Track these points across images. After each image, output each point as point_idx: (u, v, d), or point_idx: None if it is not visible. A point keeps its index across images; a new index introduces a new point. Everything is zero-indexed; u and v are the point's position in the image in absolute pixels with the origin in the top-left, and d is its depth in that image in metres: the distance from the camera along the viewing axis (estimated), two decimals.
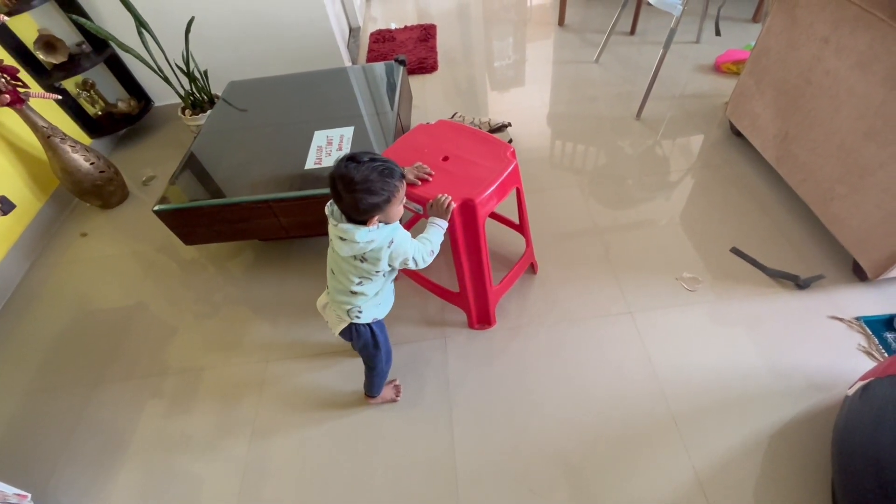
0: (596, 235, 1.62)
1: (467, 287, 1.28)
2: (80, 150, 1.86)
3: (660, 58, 1.92)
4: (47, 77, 2.01)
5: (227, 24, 2.24)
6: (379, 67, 1.89)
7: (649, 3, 1.96)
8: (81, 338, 1.56)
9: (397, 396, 1.28)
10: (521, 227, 1.42)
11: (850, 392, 1.01)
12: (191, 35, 1.96)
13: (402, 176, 0.90)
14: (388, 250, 0.91)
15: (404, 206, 0.95)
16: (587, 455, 1.13)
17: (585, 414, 1.20)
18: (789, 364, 1.23)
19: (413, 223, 1.57)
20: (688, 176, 1.79)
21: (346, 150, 1.48)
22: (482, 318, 1.40)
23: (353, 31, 3.02)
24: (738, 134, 1.85)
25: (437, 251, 1.02)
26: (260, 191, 1.41)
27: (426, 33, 2.84)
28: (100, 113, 2.33)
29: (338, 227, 0.89)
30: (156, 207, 1.41)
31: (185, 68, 1.97)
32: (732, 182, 1.73)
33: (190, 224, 1.46)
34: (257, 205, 1.39)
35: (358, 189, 0.82)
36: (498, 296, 1.38)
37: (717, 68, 2.25)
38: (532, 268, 1.54)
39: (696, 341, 1.30)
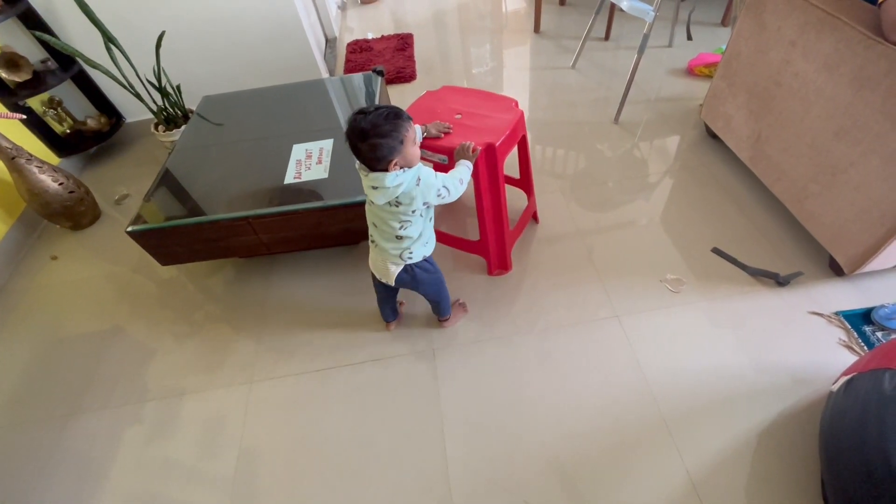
0: (579, 239, 1.63)
1: (488, 230, 1.39)
2: (48, 170, 1.79)
3: (635, 62, 1.95)
4: (11, 96, 1.94)
5: (200, 38, 2.20)
6: (357, 78, 1.87)
7: (622, 10, 1.99)
8: (54, 367, 1.49)
9: (467, 310, 1.42)
10: (525, 176, 1.49)
11: (835, 388, 1.02)
12: (162, 50, 1.91)
13: (409, 118, 0.95)
14: (418, 188, 0.98)
15: (431, 161, 1.03)
16: (581, 463, 1.12)
17: (577, 421, 1.19)
18: (773, 361, 1.25)
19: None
20: (666, 177, 1.82)
21: (326, 163, 1.46)
22: (501, 263, 1.51)
23: (330, 42, 3.00)
24: (713, 135, 1.89)
25: (466, 182, 1.09)
26: (238, 207, 1.37)
27: (403, 43, 2.84)
28: (68, 131, 2.26)
29: (368, 176, 0.96)
30: (129, 228, 1.36)
31: (156, 83, 1.93)
32: (710, 182, 1.76)
33: (166, 244, 1.42)
34: (236, 222, 1.35)
35: (371, 136, 0.89)
36: (513, 239, 1.51)
37: (690, 71, 2.30)
38: (534, 218, 1.69)
39: (682, 343, 1.31)
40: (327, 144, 1.53)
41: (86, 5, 1.72)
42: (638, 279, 1.48)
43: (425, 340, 1.40)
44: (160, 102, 2.03)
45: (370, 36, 3.02)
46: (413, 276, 1.15)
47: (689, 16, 2.41)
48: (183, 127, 2.00)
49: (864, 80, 1.16)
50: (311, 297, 1.58)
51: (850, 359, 1.23)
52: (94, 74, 2.23)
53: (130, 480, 1.21)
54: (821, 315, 1.33)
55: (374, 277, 1.24)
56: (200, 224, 1.36)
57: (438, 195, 1.02)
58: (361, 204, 1.33)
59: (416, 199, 0.99)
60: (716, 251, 1.52)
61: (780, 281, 1.40)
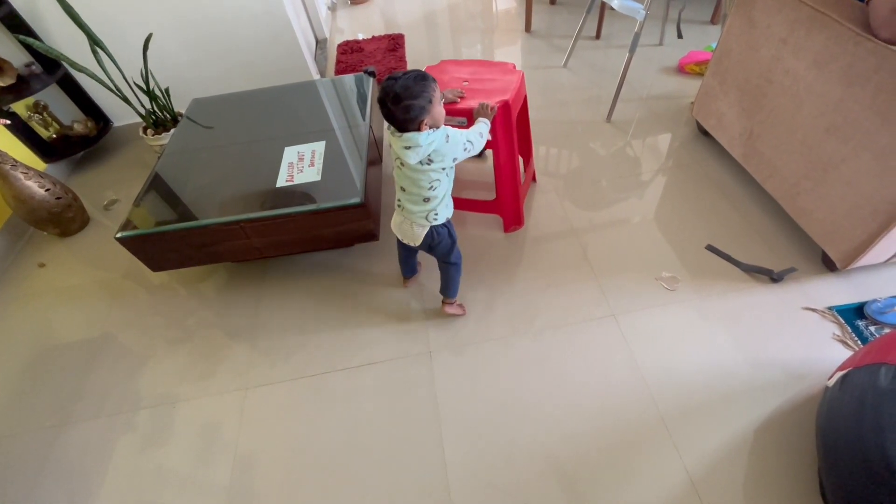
0: (574, 238, 1.63)
1: (505, 186, 1.52)
2: (34, 176, 1.76)
3: (626, 61, 1.96)
4: None
5: (188, 41, 2.17)
6: (348, 80, 1.86)
7: (613, 9, 2.00)
8: (43, 376, 1.47)
9: (465, 311, 1.45)
10: (525, 137, 1.56)
11: (830, 383, 1.03)
12: (150, 52, 1.89)
13: (434, 80, 1.03)
14: (447, 144, 1.07)
15: (450, 125, 1.12)
16: (581, 463, 1.12)
17: (576, 421, 1.19)
18: (768, 357, 1.26)
19: None
20: (659, 175, 1.82)
21: (319, 165, 1.45)
22: (515, 220, 1.64)
23: (320, 43, 2.98)
24: (705, 133, 1.90)
25: (485, 136, 1.18)
26: (230, 211, 1.35)
27: (394, 43, 2.82)
28: (54, 136, 2.22)
29: (402, 137, 1.03)
30: (118, 235, 1.34)
31: (144, 86, 1.90)
32: (702, 180, 1.76)
33: (156, 250, 1.40)
34: (228, 226, 1.33)
35: (403, 98, 0.97)
36: (523, 195, 1.64)
37: (681, 69, 2.31)
38: (534, 178, 1.81)
39: (679, 340, 1.32)
40: (319, 146, 1.51)
41: (70, 8, 1.69)
42: (633, 277, 1.48)
43: (422, 343, 1.39)
44: (148, 106, 2.00)
45: (361, 37, 3.01)
46: (436, 238, 1.23)
47: (679, 14, 2.42)
48: (172, 130, 1.97)
49: (853, 76, 1.17)
50: (306, 300, 1.56)
51: (844, 353, 1.24)
52: (81, 78, 2.20)
53: (124, 490, 1.19)
54: (814, 310, 1.34)
55: (397, 240, 1.31)
56: (192, 229, 1.34)
57: (465, 149, 1.11)
58: (355, 206, 1.32)
59: (446, 155, 1.08)
60: (710, 248, 1.53)
61: (774, 277, 1.40)
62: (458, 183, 1.30)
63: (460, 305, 1.45)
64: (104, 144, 2.35)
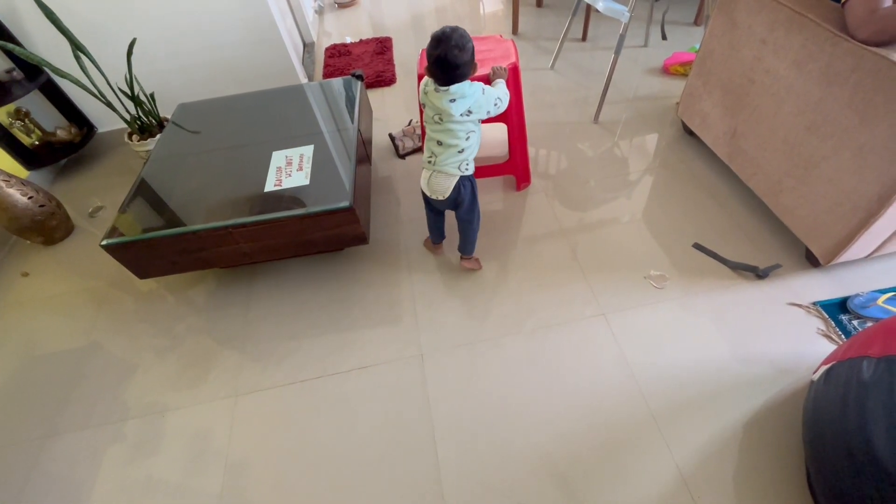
0: (563, 238, 1.64)
1: (517, 145, 1.69)
2: (16, 184, 1.73)
3: (612, 63, 1.98)
4: None
5: (174, 46, 2.15)
6: (336, 83, 1.85)
7: (598, 11, 2.02)
8: (29, 387, 1.44)
9: (481, 266, 1.57)
10: (518, 103, 1.59)
11: (815, 377, 1.05)
12: (134, 58, 1.87)
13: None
14: (483, 97, 1.21)
15: None
16: (574, 462, 1.12)
17: (569, 420, 1.19)
18: (756, 352, 1.28)
19: None
20: (646, 175, 1.84)
21: (307, 169, 1.44)
22: (525, 177, 1.82)
23: (308, 47, 2.97)
24: (690, 133, 1.92)
25: (507, 94, 1.31)
26: (218, 217, 1.34)
27: (382, 46, 2.83)
28: (37, 143, 2.19)
29: (448, 90, 1.16)
30: (103, 242, 1.32)
31: (129, 92, 1.88)
32: (688, 179, 1.79)
33: (143, 256, 1.38)
34: (216, 231, 1.32)
35: (455, 48, 1.11)
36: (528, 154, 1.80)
37: (666, 70, 2.34)
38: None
39: (667, 338, 1.33)
40: (308, 150, 1.51)
41: (52, 13, 1.67)
42: (622, 276, 1.50)
43: (413, 346, 1.39)
44: (133, 111, 1.98)
45: (348, 40, 3.00)
46: (462, 192, 1.32)
47: (662, 16, 2.45)
48: (158, 136, 1.95)
49: (832, 76, 1.20)
50: (296, 305, 1.55)
51: (828, 348, 1.26)
52: (64, 84, 2.17)
53: (113, 501, 1.17)
54: (799, 306, 1.36)
55: (426, 205, 1.45)
56: (179, 235, 1.32)
57: (495, 104, 1.25)
58: (345, 210, 1.32)
59: (482, 107, 1.21)
60: (697, 246, 1.55)
61: (760, 274, 1.43)
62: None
63: (476, 260, 1.56)
64: (89, 151, 2.31)
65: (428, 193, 1.35)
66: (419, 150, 2.10)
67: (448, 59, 1.10)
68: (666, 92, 2.23)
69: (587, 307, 1.43)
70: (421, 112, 1.62)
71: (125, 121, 1.98)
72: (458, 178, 1.29)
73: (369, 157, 1.73)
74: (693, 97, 1.78)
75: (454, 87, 1.15)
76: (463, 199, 1.34)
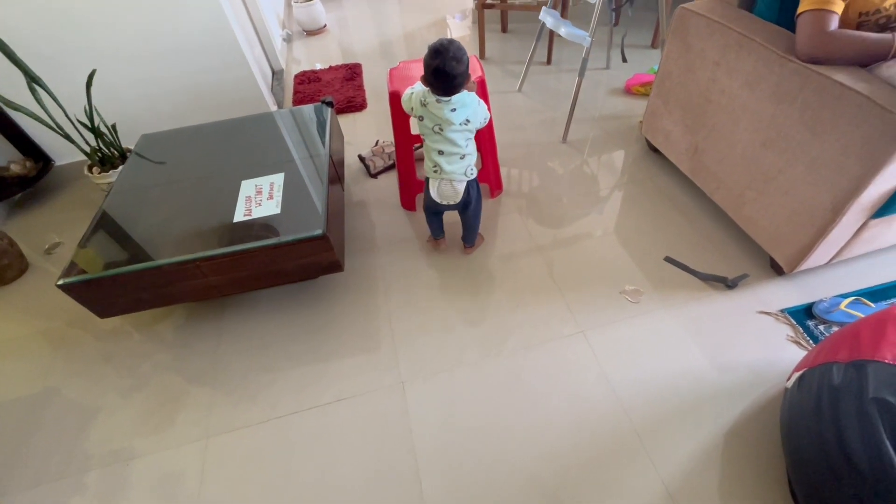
0: (539, 256, 1.65)
1: (488, 154, 1.78)
2: None
3: (576, 85, 2.05)
4: None
5: (137, 76, 2.10)
6: (306, 110, 1.84)
7: (561, 36, 2.09)
8: None
9: (483, 238, 1.71)
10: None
11: (789, 384, 1.07)
12: (95, 88, 1.81)
13: None
14: (479, 107, 1.32)
15: None
16: (561, 482, 1.10)
17: (553, 440, 1.18)
18: (731, 361, 1.30)
19: None
20: (616, 191, 1.89)
21: (278, 197, 1.41)
22: (498, 185, 1.91)
23: (277, 74, 2.97)
24: (654, 150, 1.99)
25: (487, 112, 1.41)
26: (185, 250, 1.29)
27: (352, 72, 2.84)
28: None
29: (450, 100, 1.25)
30: (59, 282, 1.24)
31: (89, 123, 1.81)
32: (656, 194, 1.84)
33: (104, 295, 1.31)
34: (183, 265, 1.27)
35: (453, 60, 1.17)
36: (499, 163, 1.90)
37: (628, 91, 2.43)
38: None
39: (645, 352, 1.34)
40: (278, 179, 1.48)
41: (4, 44, 1.61)
42: (598, 293, 1.51)
43: (393, 374, 1.36)
44: (94, 143, 1.92)
45: (318, 66, 3.01)
46: (471, 193, 1.44)
47: (622, 40, 2.57)
48: (120, 167, 1.89)
49: (782, 94, 1.27)
50: (270, 336, 1.50)
51: (799, 353, 1.30)
52: (18, 116, 2.08)
53: None
54: (768, 314, 1.40)
55: (429, 209, 1.54)
56: (143, 271, 1.26)
57: (484, 118, 1.36)
58: (317, 238, 1.29)
59: (478, 115, 1.32)
60: (668, 260, 1.58)
61: (729, 284, 1.47)
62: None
63: (480, 236, 1.68)
64: (45, 184, 2.22)
65: (439, 200, 1.44)
66: (391, 167, 2.11)
67: (447, 71, 1.17)
68: (629, 111, 2.32)
69: (565, 326, 1.43)
70: (396, 129, 1.67)
71: (85, 153, 1.91)
72: (465, 182, 1.40)
73: (342, 182, 1.71)
74: (655, 116, 1.85)
75: (455, 97, 1.25)
76: (470, 201, 1.45)
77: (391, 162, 2.12)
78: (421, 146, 1.45)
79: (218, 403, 1.35)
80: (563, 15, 2.55)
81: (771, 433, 1.15)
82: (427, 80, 1.24)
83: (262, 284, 1.41)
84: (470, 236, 1.62)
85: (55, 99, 1.76)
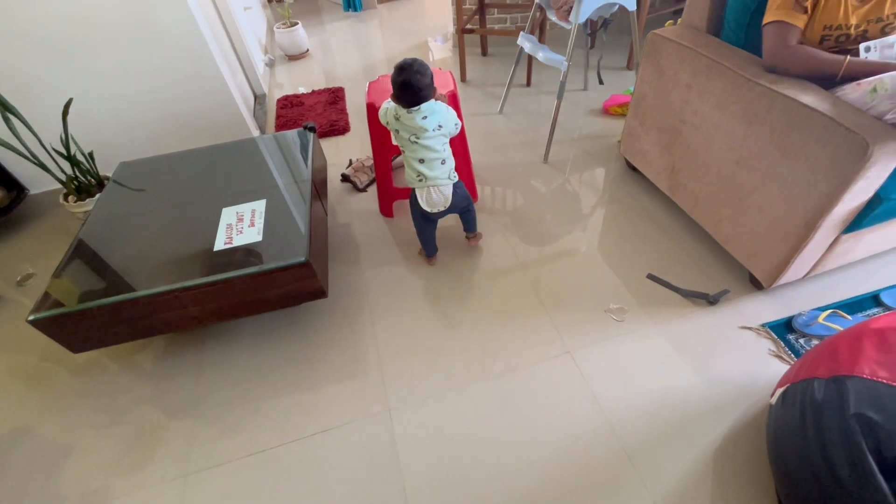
0: (524, 275, 1.66)
1: (463, 164, 1.79)
2: None
3: (556, 107, 2.09)
4: None
5: (116, 103, 2.09)
6: (288, 136, 1.84)
7: (539, 60, 2.15)
8: None
9: (481, 234, 1.79)
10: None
11: (773, 401, 1.08)
12: (73, 116, 1.79)
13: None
14: (448, 112, 1.40)
15: None
16: None
17: (544, 464, 1.16)
18: (715, 377, 1.31)
19: None
20: (597, 210, 1.92)
21: (260, 224, 1.40)
22: (473, 194, 1.96)
23: (259, 98, 2.97)
24: (633, 168, 2.03)
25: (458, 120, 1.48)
26: (163, 280, 1.26)
27: (335, 96, 2.87)
28: None
29: (420, 109, 1.33)
30: (30, 317, 1.20)
31: (65, 152, 1.79)
32: (636, 212, 1.88)
33: (77, 329, 1.27)
34: (160, 297, 1.24)
35: (422, 72, 1.28)
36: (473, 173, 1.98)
37: (606, 111, 2.49)
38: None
39: (632, 371, 1.35)
40: (259, 205, 1.47)
41: None
42: (584, 311, 1.52)
43: (380, 401, 1.34)
44: (70, 171, 1.88)
45: (301, 90, 3.03)
46: (459, 193, 1.50)
47: (598, 62, 2.65)
48: (97, 196, 1.85)
49: (751, 116, 1.31)
50: (252, 366, 1.46)
51: (781, 367, 1.31)
52: None
53: None
54: (750, 328, 1.42)
55: (419, 220, 1.58)
56: (119, 303, 1.23)
57: (455, 124, 1.44)
58: (300, 265, 1.28)
59: (449, 121, 1.40)
60: (651, 277, 1.60)
61: (711, 300, 1.49)
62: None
63: (479, 233, 1.76)
64: (19, 214, 2.16)
65: (429, 209, 1.49)
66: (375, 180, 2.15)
67: (413, 83, 1.27)
68: (608, 131, 2.37)
69: (552, 346, 1.43)
70: (374, 139, 1.77)
71: (60, 182, 1.87)
72: (451, 186, 1.46)
73: (325, 207, 1.71)
74: (633, 136, 1.90)
75: (424, 106, 1.33)
76: (459, 202, 1.52)
77: (374, 175, 2.16)
78: (398, 156, 1.48)
79: (199, 437, 1.30)
80: (541, 40, 2.62)
81: (758, 449, 1.16)
82: (396, 95, 1.32)
83: (244, 313, 1.38)
84: (471, 225, 1.69)
85: (30, 128, 1.73)
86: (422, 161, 1.40)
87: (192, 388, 1.43)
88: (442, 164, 1.42)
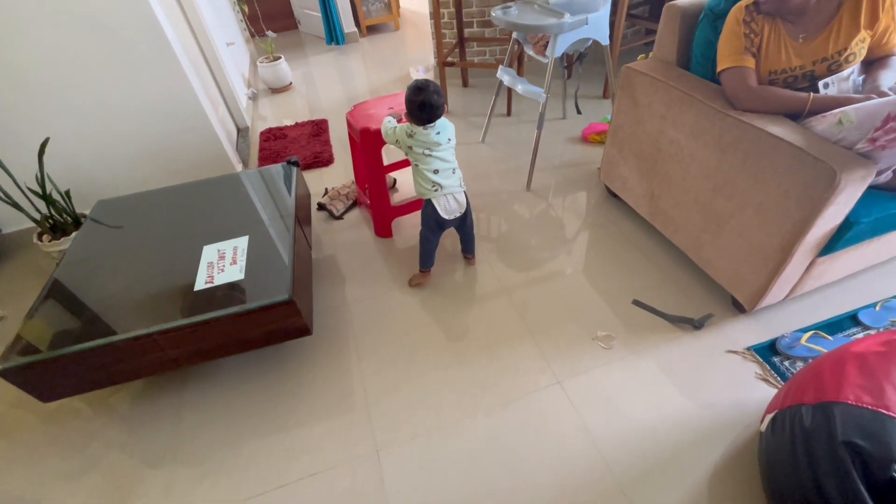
0: (510, 302, 1.65)
1: None
2: None
3: (536, 137, 2.14)
4: None
5: (94, 141, 2.07)
6: (270, 170, 1.84)
7: (518, 92, 2.21)
8: None
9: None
10: None
11: (763, 428, 1.08)
12: (50, 154, 1.77)
13: None
14: (451, 126, 1.52)
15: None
16: None
17: (537, 502, 1.13)
18: (705, 403, 1.31)
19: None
20: (581, 236, 1.94)
21: (242, 262, 1.38)
22: None
23: (242, 132, 2.98)
24: (614, 195, 2.07)
25: None
26: (141, 323, 1.23)
27: (318, 128, 2.89)
28: None
29: (434, 125, 1.46)
30: None
31: (40, 191, 1.75)
32: (619, 238, 1.90)
33: (48, 378, 1.21)
34: (137, 341, 1.20)
35: (434, 94, 1.40)
36: None
37: (585, 139, 2.56)
38: None
39: (623, 400, 1.34)
40: (242, 242, 1.45)
41: None
42: (572, 339, 1.51)
43: (368, 441, 1.30)
44: (45, 210, 1.84)
45: (285, 123, 3.05)
46: (468, 203, 1.62)
47: (575, 93, 2.73)
48: (74, 234, 1.81)
49: (724, 145, 1.36)
50: (234, 407, 1.41)
51: (768, 391, 1.32)
52: None
53: None
54: (736, 352, 1.43)
55: (433, 230, 1.63)
56: (93, 349, 1.18)
57: (449, 139, 1.53)
58: (284, 303, 1.26)
59: (454, 133, 1.53)
60: (636, 303, 1.62)
61: (696, 325, 1.50)
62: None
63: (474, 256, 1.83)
64: None
65: (446, 217, 1.57)
66: (352, 206, 2.24)
67: (432, 103, 1.40)
68: (588, 158, 2.43)
69: (542, 376, 1.41)
70: (369, 162, 1.81)
71: (34, 220, 1.82)
72: (463, 193, 1.58)
73: (309, 241, 1.69)
74: (612, 164, 1.94)
75: (438, 122, 1.46)
76: (467, 210, 1.63)
77: (350, 202, 2.24)
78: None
79: (176, 487, 1.24)
80: (520, 72, 2.70)
81: (751, 475, 1.15)
82: (412, 113, 1.44)
83: (226, 353, 1.35)
84: (471, 246, 1.78)
85: (3, 167, 1.69)
86: (436, 172, 1.50)
87: (171, 431, 1.37)
88: (453, 172, 1.54)
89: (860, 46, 1.27)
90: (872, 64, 1.33)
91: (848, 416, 0.88)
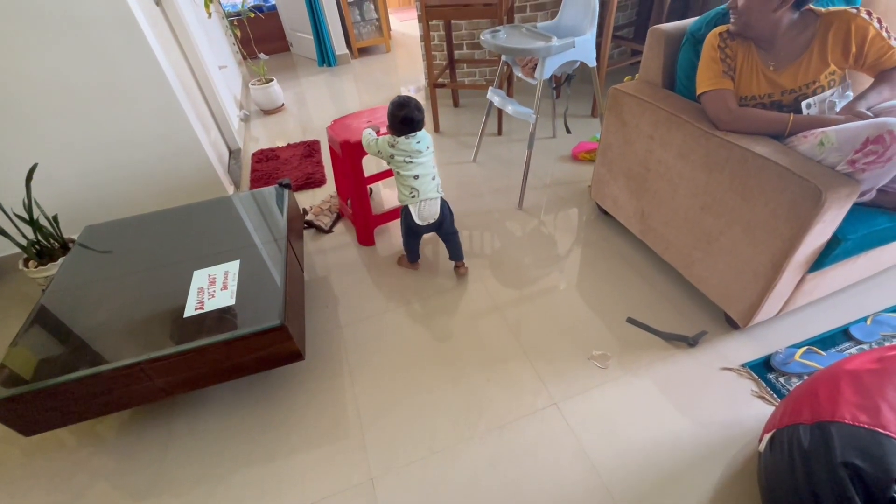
0: (504, 322, 1.64)
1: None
2: None
3: (527, 156, 2.16)
4: None
5: (83, 165, 2.05)
6: (262, 193, 1.83)
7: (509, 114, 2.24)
8: None
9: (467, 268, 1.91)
10: None
11: (761, 448, 1.07)
12: (39, 178, 1.75)
13: None
14: (428, 135, 1.64)
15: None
16: None
17: None
18: (703, 422, 1.30)
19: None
20: (573, 254, 1.95)
21: (233, 287, 1.36)
22: None
23: (234, 154, 2.98)
24: (605, 212, 2.09)
25: None
26: (129, 352, 1.20)
27: (310, 149, 2.90)
28: None
29: (416, 135, 1.60)
30: None
31: (26, 217, 1.72)
32: (612, 255, 1.91)
33: (29, 411, 1.17)
34: (124, 371, 1.17)
35: (416, 110, 1.56)
36: None
37: (575, 157, 2.59)
38: None
39: (620, 420, 1.32)
40: (233, 267, 1.44)
41: None
42: (567, 359, 1.50)
43: (363, 469, 1.27)
44: (32, 236, 1.81)
45: (278, 144, 3.06)
46: (446, 209, 1.72)
47: (564, 113, 2.78)
48: (61, 260, 1.78)
49: (712, 164, 1.38)
50: (225, 434, 1.38)
51: (765, 408, 1.31)
52: None
53: None
54: (731, 370, 1.43)
55: (411, 230, 1.73)
56: (77, 380, 1.15)
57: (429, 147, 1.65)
58: (275, 329, 1.24)
59: (431, 141, 1.65)
60: (630, 321, 1.61)
61: (690, 342, 1.50)
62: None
63: (465, 265, 1.87)
64: None
65: (420, 222, 1.68)
66: (338, 219, 2.28)
67: (413, 117, 1.56)
68: (578, 176, 2.46)
69: (538, 397, 1.40)
70: (352, 173, 1.87)
71: (20, 246, 1.79)
72: (439, 200, 1.67)
73: (301, 264, 1.68)
74: (602, 182, 1.97)
75: (420, 132, 1.61)
76: (446, 216, 1.72)
77: (335, 214, 2.29)
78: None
79: None
80: (509, 93, 2.74)
81: (751, 496, 1.13)
82: (394, 126, 1.58)
83: (217, 381, 1.32)
84: (457, 252, 1.83)
85: None
86: (416, 177, 1.62)
87: (159, 460, 1.33)
88: (433, 179, 1.65)
89: (830, 79, 1.30)
90: (882, 74, 1.29)
91: (846, 436, 0.88)
